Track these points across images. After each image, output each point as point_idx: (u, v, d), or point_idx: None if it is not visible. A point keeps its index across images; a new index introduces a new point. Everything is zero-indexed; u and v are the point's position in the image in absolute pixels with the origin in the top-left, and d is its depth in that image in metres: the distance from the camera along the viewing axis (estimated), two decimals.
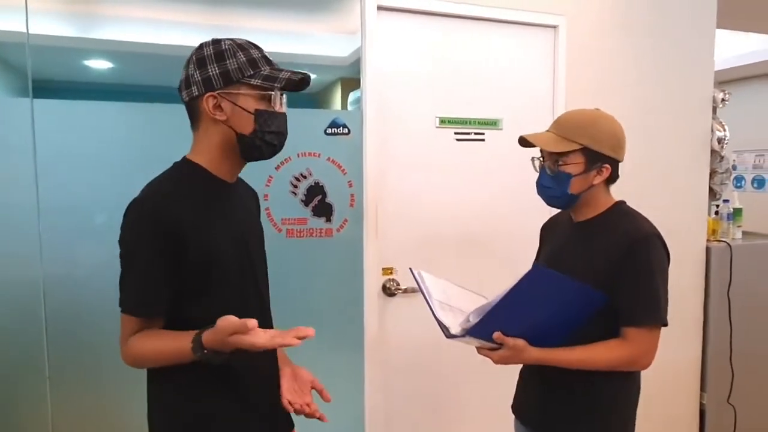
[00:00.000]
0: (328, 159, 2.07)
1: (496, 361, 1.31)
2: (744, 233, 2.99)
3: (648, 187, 2.60)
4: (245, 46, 1.15)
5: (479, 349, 1.35)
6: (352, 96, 2.42)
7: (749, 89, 5.44)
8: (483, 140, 2.32)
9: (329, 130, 2.06)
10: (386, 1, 2.10)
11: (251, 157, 1.20)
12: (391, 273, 2.21)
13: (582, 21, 2.42)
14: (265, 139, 1.16)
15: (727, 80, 5.43)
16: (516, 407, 1.60)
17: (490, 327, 1.26)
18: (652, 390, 2.74)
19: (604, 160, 1.37)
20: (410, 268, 1.49)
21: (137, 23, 1.94)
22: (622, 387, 1.41)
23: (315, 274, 2.09)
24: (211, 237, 1.13)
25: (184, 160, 1.19)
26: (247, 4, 2.05)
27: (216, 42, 1.14)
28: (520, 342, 1.27)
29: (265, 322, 1.28)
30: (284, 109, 1.19)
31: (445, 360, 2.29)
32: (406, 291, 2.21)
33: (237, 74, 1.11)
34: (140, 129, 1.85)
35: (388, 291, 2.20)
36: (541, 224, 1.68)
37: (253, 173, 1.96)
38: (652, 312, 1.31)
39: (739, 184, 5.74)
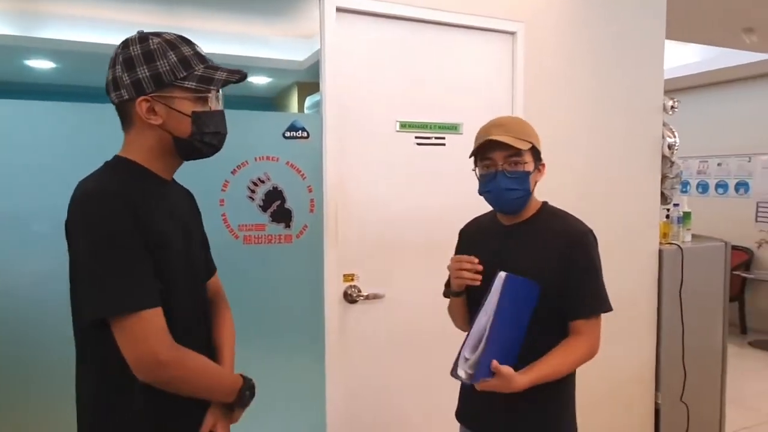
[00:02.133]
0: (287, 163, 2.01)
1: (481, 388, 1.27)
2: (692, 236, 3.10)
3: (603, 192, 2.66)
4: (175, 43, 1.08)
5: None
6: (308, 101, 2.37)
7: (692, 98, 5.68)
8: (443, 145, 2.31)
9: (288, 134, 2.01)
10: (345, 2, 2.07)
11: (190, 158, 1.16)
12: (352, 279, 2.17)
13: (539, 29, 2.46)
14: (204, 141, 1.12)
15: (670, 90, 5.66)
16: (468, 415, 1.57)
17: (493, 354, 1.23)
18: (609, 391, 2.80)
19: (540, 159, 1.43)
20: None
21: (83, 22, 1.85)
22: (566, 379, 1.43)
23: (274, 281, 2.03)
24: (162, 230, 1.08)
25: (118, 157, 1.12)
26: (199, 4, 1.99)
27: (143, 39, 1.07)
28: (510, 370, 1.24)
29: (205, 323, 1.24)
30: (221, 105, 1.15)
31: (408, 367, 2.26)
32: (367, 297, 2.17)
33: (169, 76, 1.06)
34: (85, 130, 1.75)
35: (350, 298, 2.16)
36: None
37: (208, 177, 1.90)
38: (600, 303, 1.38)
39: (684, 189, 5.98)
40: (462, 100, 2.33)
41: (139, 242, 1.01)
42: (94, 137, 1.74)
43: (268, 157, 1.97)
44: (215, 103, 1.12)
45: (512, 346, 1.30)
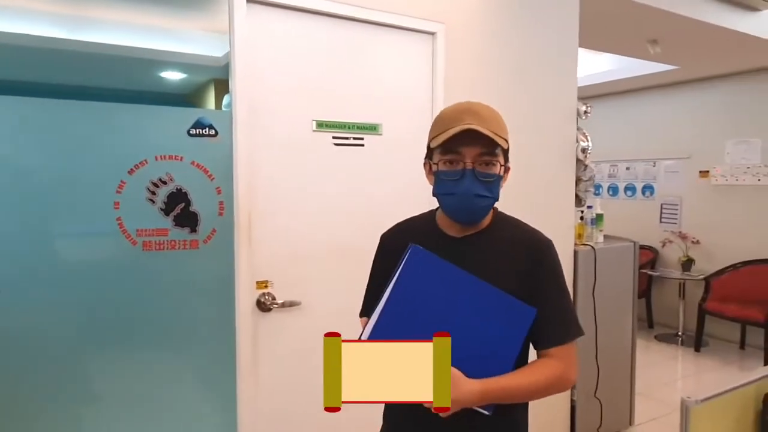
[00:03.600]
0: (193, 163, 1.86)
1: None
2: (604, 236, 3.22)
3: (521, 194, 2.69)
4: None
5: None
6: (226, 99, 2.23)
7: (603, 106, 5.97)
8: (362, 145, 2.24)
9: (193, 131, 1.86)
10: None
11: None
12: (266, 286, 2.05)
13: (459, 31, 2.44)
14: None
15: (583, 97, 5.92)
16: None
17: (392, 329, 1.09)
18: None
19: (508, 160, 1.23)
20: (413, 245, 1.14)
21: None
22: (525, 409, 1.31)
23: (179, 290, 1.87)
24: None
25: None
26: None
27: None
28: (453, 370, 1.03)
29: None
30: None
31: None
32: (283, 305, 2.06)
33: None
34: None
35: (263, 306, 2.04)
36: None
37: (100, 177, 1.72)
38: (573, 326, 1.20)
39: (597, 192, 6.27)
40: (382, 100, 2.27)
41: None
42: None
43: (170, 156, 1.82)
44: None
45: (468, 360, 1.08)
